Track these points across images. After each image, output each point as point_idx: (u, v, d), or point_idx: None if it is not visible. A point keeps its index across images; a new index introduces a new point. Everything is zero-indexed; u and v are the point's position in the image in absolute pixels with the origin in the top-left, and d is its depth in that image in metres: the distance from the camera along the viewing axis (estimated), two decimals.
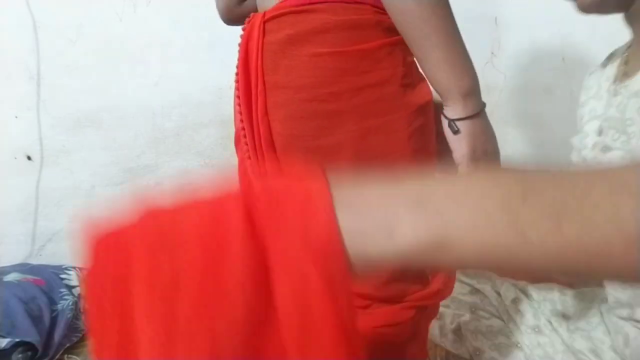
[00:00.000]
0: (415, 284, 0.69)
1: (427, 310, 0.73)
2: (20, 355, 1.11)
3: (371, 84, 0.60)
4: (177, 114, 1.46)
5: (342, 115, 0.59)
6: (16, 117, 1.43)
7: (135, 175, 1.50)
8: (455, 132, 0.61)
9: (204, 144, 1.46)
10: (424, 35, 0.57)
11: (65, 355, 1.24)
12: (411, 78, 0.63)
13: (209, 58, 1.37)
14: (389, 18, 0.59)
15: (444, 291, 0.73)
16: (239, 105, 0.65)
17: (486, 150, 0.62)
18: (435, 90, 0.61)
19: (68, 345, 1.25)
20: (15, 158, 1.45)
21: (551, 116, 1.59)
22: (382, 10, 0.60)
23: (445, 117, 0.61)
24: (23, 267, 1.40)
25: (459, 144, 0.61)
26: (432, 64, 0.59)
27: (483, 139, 0.62)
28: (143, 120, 1.46)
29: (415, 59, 0.62)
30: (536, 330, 0.92)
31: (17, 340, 1.11)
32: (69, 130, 1.45)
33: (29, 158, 1.46)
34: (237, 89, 0.66)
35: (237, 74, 0.66)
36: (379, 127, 0.60)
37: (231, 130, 0.85)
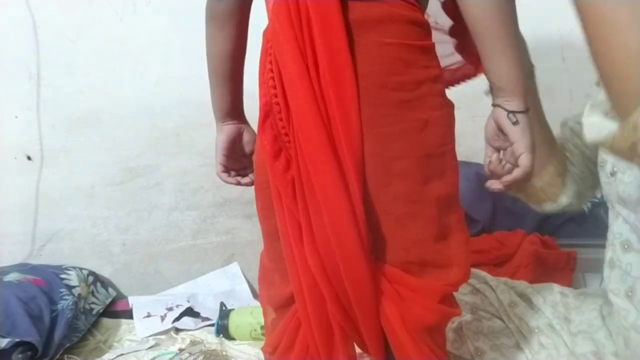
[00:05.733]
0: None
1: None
2: (20, 355, 1.11)
3: (429, 79, 0.64)
4: (177, 114, 1.46)
5: (408, 104, 0.62)
6: (16, 117, 1.43)
7: (135, 175, 1.50)
8: (515, 123, 0.66)
9: (204, 144, 1.46)
10: (507, 32, 0.63)
11: (65, 355, 1.24)
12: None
13: None
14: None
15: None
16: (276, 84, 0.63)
17: (534, 142, 0.68)
18: (502, 84, 0.66)
19: (68, 345, 1.25)
20: (15, 158, 1.45)
21: (551, 116, 1.58)
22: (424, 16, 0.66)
23: (506, 109, 0.66)
24: (23, 267, 1.40)
25: (522, 135, 0.66)
26: (509, 59, 0.64)
27: (532, 132, 0.68)
28: (143, 120, 1.46)
29: (488, 53, 0.65)
30: (536, 331, 0.92)
31: (17, 340, 1.11)
32: (69, 130, 1.45)
33: (29, 158, 1.46)
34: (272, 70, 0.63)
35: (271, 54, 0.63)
36: (436, 120, 0.65)
37: None
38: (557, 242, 1.31)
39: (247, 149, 0.87)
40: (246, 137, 0.86)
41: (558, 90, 1.56)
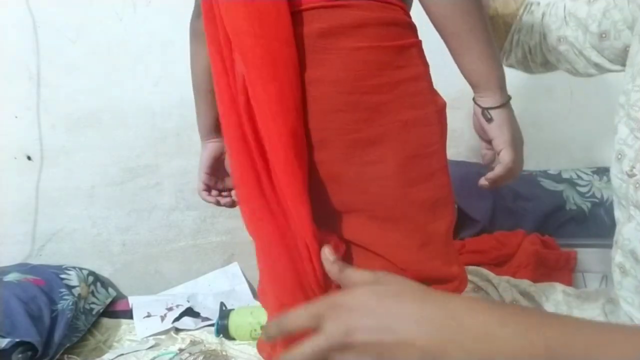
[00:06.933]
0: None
1: None
2: (20, 355, 1.11)
3: (408, 78, 0.61)
4: (177, 114, 1.46)
5: (383, 106, 0.60)
6: (16, 117, 1.43)
7: (135, 175, 1.50)
8: (489, 120, 0.64)
9: None
10: (468, 28, 0.60)
11: (65, 355, 1.24)
12: (431, 79, 0.66)
13: None
14: (412, 19, 0.63)
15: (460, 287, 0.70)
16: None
17: (518, 137, 0.66)
18: (473, 81, 0.64)
19: (68, 345, 1.25)
20: (15, 158, 1.45)
21: (551, 116, 1.59)
22: (408, 13, 0.64)
23: (480, 106, 0.64)
24: (23, 267, 1.40)
25: (499, 131, 0.64)
26: (475, 56, 0.62)
27: (516, 126, 0.66)
28: (143, 120, 1.46)
29: (452, 52, 0.64)
30: None
31: (17, 340, 1.11)
32: (69, 130, 1.45)
33: (29, 158, 1.46)
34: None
35: None
36: (417, 120, 0.62)
37: None
38: (557, 242, 1.31)
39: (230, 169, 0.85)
40: None
41: (558, 90, 1.56)
